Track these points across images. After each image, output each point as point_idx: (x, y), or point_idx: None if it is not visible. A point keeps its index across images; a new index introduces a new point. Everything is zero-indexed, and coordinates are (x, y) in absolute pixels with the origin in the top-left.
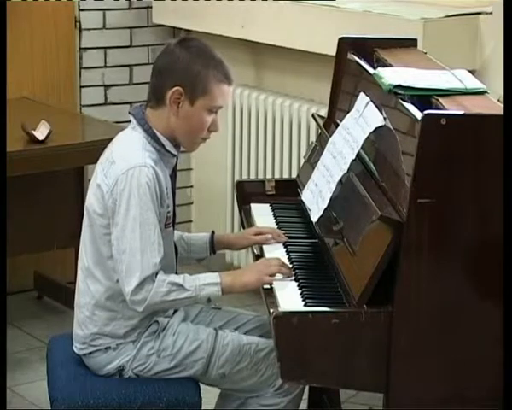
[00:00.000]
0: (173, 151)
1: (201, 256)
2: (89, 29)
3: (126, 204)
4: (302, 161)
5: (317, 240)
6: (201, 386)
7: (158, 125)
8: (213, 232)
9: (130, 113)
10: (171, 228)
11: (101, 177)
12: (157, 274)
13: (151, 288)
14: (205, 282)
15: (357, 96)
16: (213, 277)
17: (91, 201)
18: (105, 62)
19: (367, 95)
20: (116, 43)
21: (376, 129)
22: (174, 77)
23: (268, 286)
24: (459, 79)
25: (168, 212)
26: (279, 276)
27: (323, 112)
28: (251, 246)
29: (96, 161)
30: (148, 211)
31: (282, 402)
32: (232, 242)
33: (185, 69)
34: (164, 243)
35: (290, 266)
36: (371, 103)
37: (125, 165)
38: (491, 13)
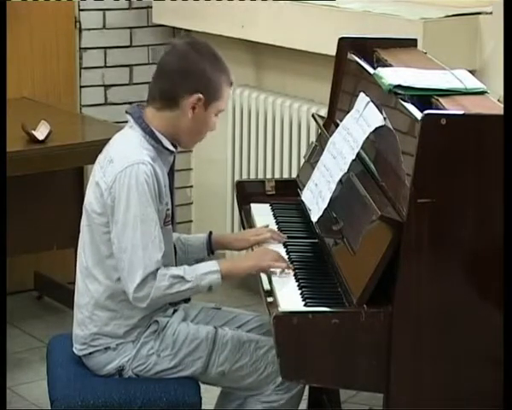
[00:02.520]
0: (171, 148)
1: (199, 257)
2: (89, 29)
3: (126, 202)
4: (302, 161)
5: (317, 240)
6: (201, 386)
7: (158, 124)
8: (211, 233)
9: (127, 112)
10: (171, 226)
11: (100, 175)
12: (158, 270)
13: (153, 284)
14: (204, 271)
15: (357, 96)
16: (212, 265)
17: (90, 200)
18: (105, 62)
19: (367, 95)
20: (116, 43)
21: (376, 129)
22: (193, 83)
23: (268, 287)
24: (459, 79)
25: (167, 209)
26: (277, 270)
27: (323, 112)
28: (250, 247)
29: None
30: (147, 207)
31: (282, 399)
32: (231, 242)
33: (205, 76)
34: (163, 241)
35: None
36: (371, 103)
37: (123, 163)
38: (491, 13)
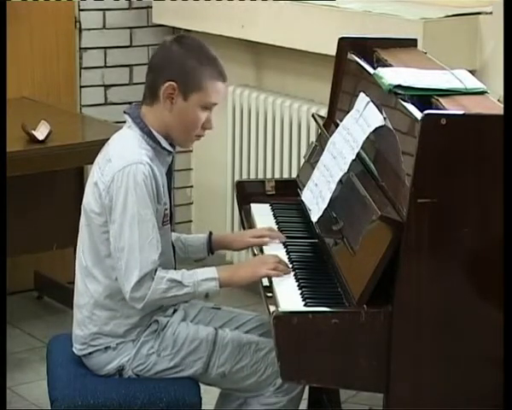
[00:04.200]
0: (169, 148)
1: (199, 257)
2: (89, 29)
3: (123, 201)
4: (302, 161)
5: (316, 240)
6: (201, 386)
7: (153, 122)
8: (211, 233)
9: (125, 112)
10: (169, 226)
11: (98, 175)
12: (156, 271)
13: (150, 285)
14: (203, 277)
15: (357, 96)
16: (211, 272)
17: (88, 200)
18: (105, 62)
19: (367, 95)
20: (116, 43)
21: (376, 129)
22: (167, 72)
23: (267, 283)
24: (459, 79)
25: (165, 209)
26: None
27: (323, 112)
28: (249, 248)
29: None
30: (145, 208)
31: (281, 401)
32: (230, 242)
33: (178, 64)
34: (162, 241)
35: (290, 265)
36: (371, 103)
37: (122, 162)
38: (491, 13)
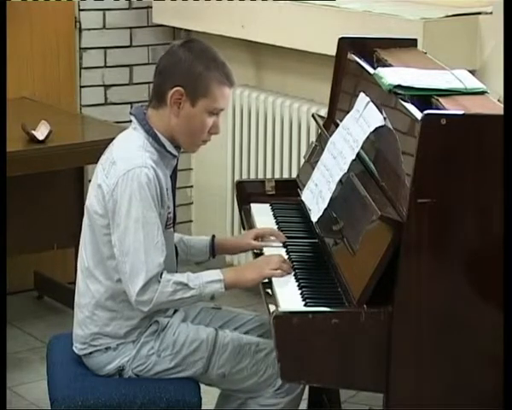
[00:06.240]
0: (174, 152)
1: (201, 259)
2: (89, 29)
3: (128, 205)
4: (302, 161)
5: (317, 240)
6: (201, 386)
7: (159, 125)
8: (214, 236)
9: (131, 113)
10: (172, 229)
11: (102, 177)
12: (162, 274)
13: (157, 288)
14: (208, 279)
15: (357, 96)
16: (216, 274)
17: (92, 201)
18: (105, 62)
19: (367, 95)
20: (116, 43)
21: (376, 129)
22: (175, 77)
23: (268, 287)
24: (459, 79)
25: (169, 213)
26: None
27: (323, 112)
28: (250, 250)
29: (96, 161)
30: (149, 211)
31: (281, 402)
32: (232, 246)
33: (186, 70)
34: (165, 245)
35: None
36: (371, 103)
37: (126, 166)
38: (491, 13)
